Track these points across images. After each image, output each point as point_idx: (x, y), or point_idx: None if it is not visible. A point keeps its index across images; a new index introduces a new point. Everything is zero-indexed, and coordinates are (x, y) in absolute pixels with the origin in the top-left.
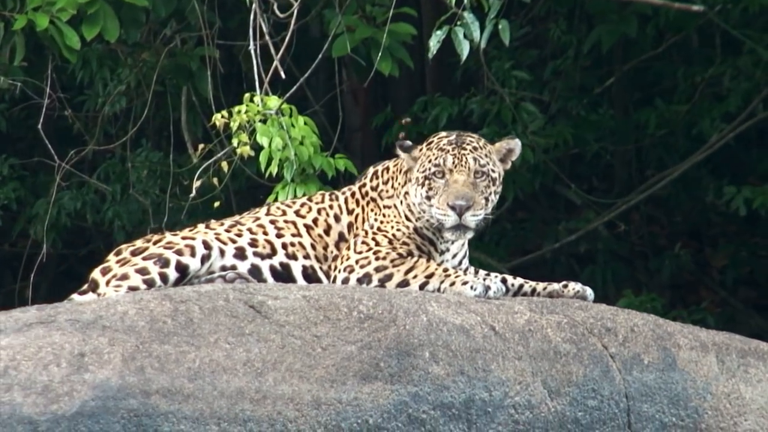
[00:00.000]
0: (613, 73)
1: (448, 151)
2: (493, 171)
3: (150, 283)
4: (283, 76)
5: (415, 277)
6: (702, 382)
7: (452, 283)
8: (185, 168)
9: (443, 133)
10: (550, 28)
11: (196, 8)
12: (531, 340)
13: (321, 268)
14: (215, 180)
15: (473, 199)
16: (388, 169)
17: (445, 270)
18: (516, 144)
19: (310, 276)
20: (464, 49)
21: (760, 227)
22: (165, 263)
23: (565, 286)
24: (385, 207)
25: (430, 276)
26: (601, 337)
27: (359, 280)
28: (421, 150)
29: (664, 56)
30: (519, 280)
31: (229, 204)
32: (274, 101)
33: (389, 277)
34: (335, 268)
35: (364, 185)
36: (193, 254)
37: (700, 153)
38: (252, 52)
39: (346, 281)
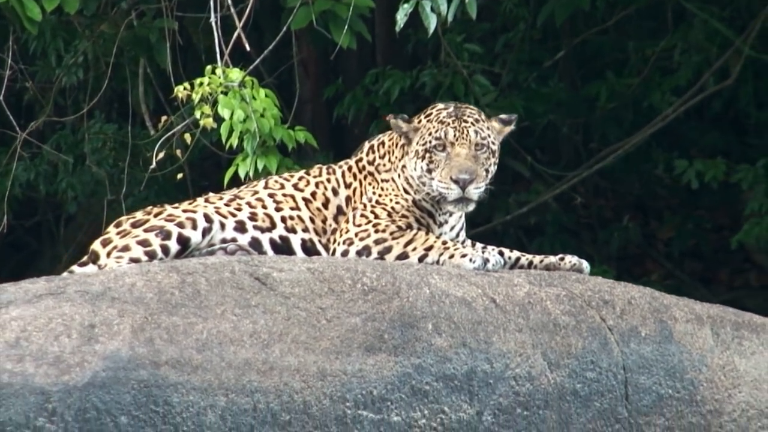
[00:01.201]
0: (563, 46)
1: (449, 123)
2: (493, 143)
3: (151, 255)
4: (248, 48)
5: (414, 249)
6: (697, 355)
7: (451, 256)
8: (146, 140)
9: (441, 105)
10: (502, 1)
11: None
12: (531, 313)
13: (320, 241)
14: (178, 152)
15: (476, 172)
16: (383, 143)
17: (444, 243)
18: (513, 119)
19: (309, 249)
20: (431, 23)
21: (703, 200)
22: (167, 235)
23: (562, 259)
24: (383, 181)
25: (429, 249)
26: (599, 310)
27: (358, 253)
28: (420, 122)
29: (615, 29)
30: (516, 253)
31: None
32: (236, 73)
33: (388, 249)
34: (334, 241)
35: (361, 159)
36: (194, 227)
37: (651, 126)
38: (213, 24)
39: (345, 254)
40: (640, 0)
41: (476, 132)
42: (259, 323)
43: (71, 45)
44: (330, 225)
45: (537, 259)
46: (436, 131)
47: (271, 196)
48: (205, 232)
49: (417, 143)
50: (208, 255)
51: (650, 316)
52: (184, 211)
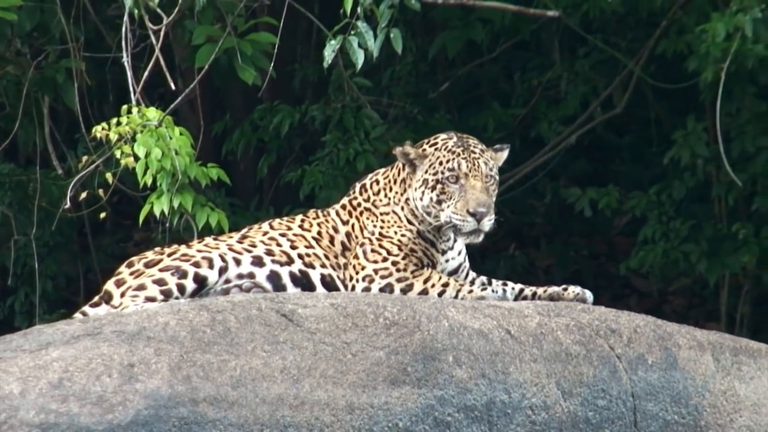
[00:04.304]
0: (449, 77)
1: (459, 154)
2: (497, 175)
3: (167, 294)
4: (173, 87)
5: (433, 286)
6: (701, 381)
7: (470, 291)
8: (62, 181)
9: (443, 135)
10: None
11: (62, 21)
12: (544, 343)
13: (338, 276)
14: (101, 191)
15: (490, 205)
16: (377, 181)
17: (456, 280)
18: (506, 148)
19: (328, 284)
20: (359, 58)
21: (575, 226)
22: (183, 275)
23: (565, 289)
24: (382, 214)
25: (446, 285)
26: (607, 339)
27: (381, 290)
28: (424, 150)
29: (499, 60)
30: (519, 285)
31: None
32: (152, 112)
33: (410, 287)
34: (350, 277)
35: (355, 198)
36: (211, 266)
37: (541, 156)
38: (126, 63)
39: (366, 290)
40: (525, 31)
41: (485, 163)
42: (288, 359)
43: None
44: (341, 261)
45: (541, 290)
46: (448, 162)
47: (282, 235)
48: (222, 271)
49: (426, 172)
50: (223, 293)
51: (655, 344)
52: (199, 251)
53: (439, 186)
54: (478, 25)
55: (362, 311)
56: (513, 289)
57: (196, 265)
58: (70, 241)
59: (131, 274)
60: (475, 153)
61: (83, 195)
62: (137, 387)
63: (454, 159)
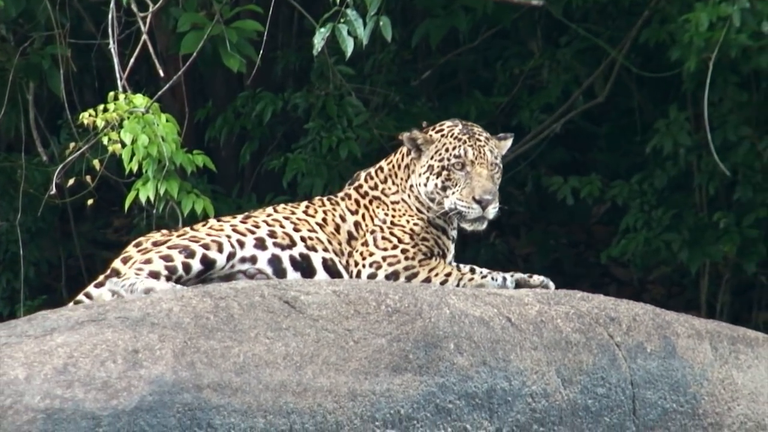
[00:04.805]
0: (430, 66)
1: (465, 141)
2: (501, 163)
3: (172, 271)
4: (162, 74)
5: (436, 275)
6: (699, 369)
7: (471, 279)
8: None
9: (449, 122)
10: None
11: (48, 7)
12: (544, 331)
13: (340, 262)
14: (88, 178)
15: (496, 193)
16: (381, 169)
17: (458, 269)
18: (509, 137)
19: (330, 268)
20: (348, 46)
21: (554, 215)
22: (190, 254)
23: (530, 276)
24: (393, 203)
25: (448, 275)
26: (606, 327)
27: (387, 277)
28: (430, 136)
29: (480, 49)
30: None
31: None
32: (139, 99)
33: (415, 275)
34: (356, 263)
35: (361, 186)
36: (220, 250)
37: (522, 144)
38: (112, 50)
39: (372, 276)
40: (506, 20)
41: (490, 151)
42: (291, 346)
43: None
44: (345, 248)
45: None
46: (455, 148)
47: (286, 218)
48: (230, 256)
49: (432, 158)
50: (227, 277)
51: (654, 332)
52: (209, 234)
53: (444, 172)
54: (461, 14)
55: (364, 298)
56: (512, 276)
57: (206, 246)
58: (52, 227)
59: (139, 251)
60: (480, 140)
61: (71, 181)
62: (141, 373)
63: (460, 146)
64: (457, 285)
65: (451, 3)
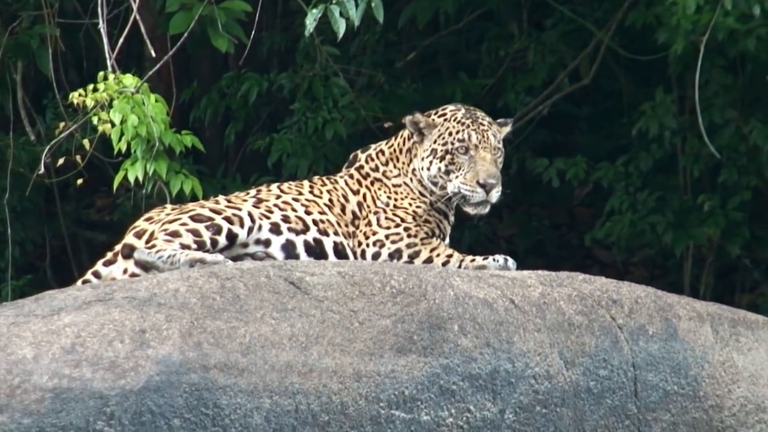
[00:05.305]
0: (415, 47)
1: (468, 125)
2: (502, 147)
3: (200, 245)
4: (153, 54)
5: (438, 255)
6: (700, 351)
7: (473, 260)
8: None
9: (451, 106)
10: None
11: None
12: (547, 313)
13: (348, 245)
14: (78, 158)
15: (499, 176)
16: (382, 151)
17: (459, 252)
18: (509, 122)
19: (340, 252)
20: (341, 27)
21: (537, 197)
22: (217, 230)
23: (485, 258)
24: (395, 186)
25: (450, 256)
26: (608, 309)
27: (390, 255)
28: (433, 120)
29: (464, 30)
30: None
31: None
32: (129, 79)
33: (417, 253)
34: (359, 243)
35: (362, 167)
36: (241, 225)
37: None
38: (102, 30)
39: (376, 256)
40: (491, 2)
41: (493, 135)
42: (296, 326)
43: None
44: (350, 229)
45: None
46: (458, 132)
47: (296, 200)
48: (250, 231)
49: (435, 142)
50: (235, 258)
51: (656, 315)
52: (228, 206)
53: (448, 156)
54: None
55: (369, 279)
56: (507, 259)
57: (229, 220)
58: (37, 207)
59: (151, 224)
60: (483, 125)
61: (61, 161)
62: (149, 353)
63: (464, 130)
64: (459, 266)
65: None
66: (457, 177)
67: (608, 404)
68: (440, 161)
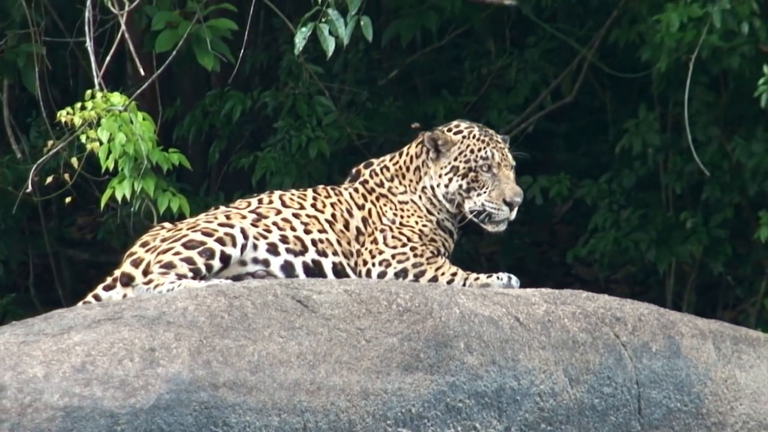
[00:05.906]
0: (397, 65)
1: (488, 143)
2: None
3: (196, 273)
4: (143, 72)
5: (443, 274)
6: (703, 369)
7: (477, 278)
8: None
9: (464, 123)
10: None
11: (23, 5)
12: (552, 330)
13: (348, 264)
14: (66, 176)
15: (522, 195)
16: (387, 167)
17: (464, 270)
18: (506, 139)
19: (339, 272)
20: (330, 46)
21: (517, 214)
22: (210, 255)
23: (498, 277)
24: (401, 203)
25: (454, 274)
26: (612, 327)
27: (396, 275)
28: (450, 137)
29: (446, 48)
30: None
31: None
32: (117, 97)
33: (423, 273)
34: (364, 262)
35: (367, 181)
36: (234, 244)
37: None
38: (89, 48)
39: (383, 275)
40: (474, 20)
41: (509, 153)
42: (304, 344)
43: None
44: (354, 247)
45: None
46: (480, 150)
47: (296, 216)
48: (243, 248)
49: (456, 159)
50: (236, 278)
51: (659, 332)
52: (221, 225)
53: (471, 174)
54: (432, 13)
55: (375, 298)
56: (510, 277)
57: (221, 242)
58: (20, 225)
59: (148, 251)
60: (500, 143)
61: (49, 179)
62: (159, 371)
63: (485, 148)
64: (464, 284)
65: (420, 2)
66: (479, 195)
67: (612, 421)
68: (462, 179)
